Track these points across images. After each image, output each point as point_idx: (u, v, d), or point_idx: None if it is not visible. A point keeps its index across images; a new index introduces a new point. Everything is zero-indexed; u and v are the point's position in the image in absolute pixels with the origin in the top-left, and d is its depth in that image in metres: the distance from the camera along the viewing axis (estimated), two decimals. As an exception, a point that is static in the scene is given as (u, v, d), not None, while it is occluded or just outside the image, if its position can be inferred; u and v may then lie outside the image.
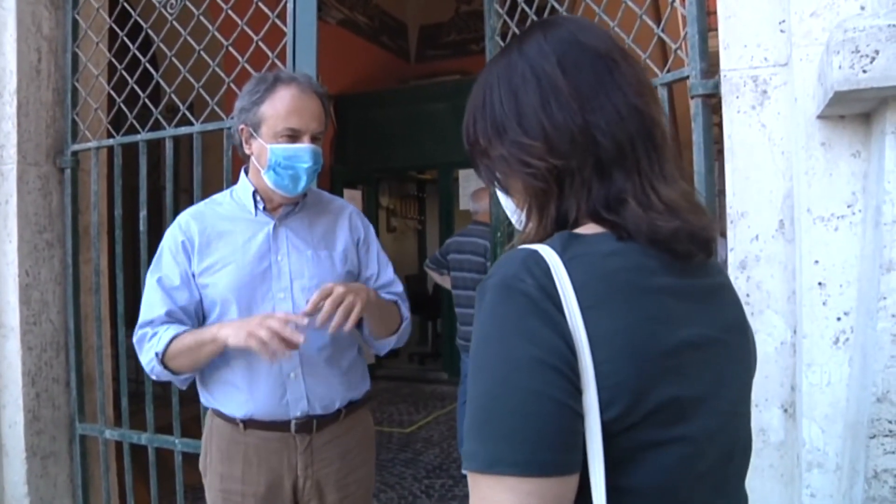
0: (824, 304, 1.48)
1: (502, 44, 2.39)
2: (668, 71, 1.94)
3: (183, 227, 1.80)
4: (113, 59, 2.82)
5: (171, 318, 1.76)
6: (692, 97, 1.82)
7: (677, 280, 0.78)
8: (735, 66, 1.67)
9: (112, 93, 2.82)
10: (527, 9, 2.23)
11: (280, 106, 1.72)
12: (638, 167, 0.80)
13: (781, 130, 1.62)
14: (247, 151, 1.80)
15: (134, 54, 2.69)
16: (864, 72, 1.25)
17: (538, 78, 0.82)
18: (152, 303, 1.77)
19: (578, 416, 0.69)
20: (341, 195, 7.43)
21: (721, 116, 1.72)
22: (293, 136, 1.73)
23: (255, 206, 1.81)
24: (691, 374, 0.76)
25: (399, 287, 1.99)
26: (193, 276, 1.77)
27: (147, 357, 1.75)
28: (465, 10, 8.85)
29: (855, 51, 1.26)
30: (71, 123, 2.87)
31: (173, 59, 2.59)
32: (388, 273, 1.98)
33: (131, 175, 2.80)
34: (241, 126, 1.78)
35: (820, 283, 1.48)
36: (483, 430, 0.70)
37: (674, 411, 0.73)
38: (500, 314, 0.72)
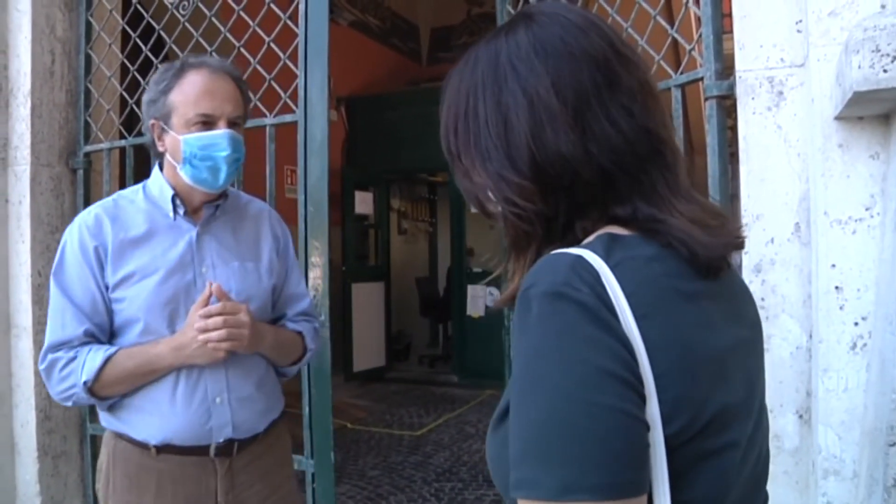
0: (841, 308, 1.46)
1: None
2: (682, 72, 1.92)
3: (92, 229, 1.57)
4: (125, 61, 2.83)
5: (90, 337, 1.55)
6: (706, 99, 1.80)
7: (708, 283, 0.74)
8: (750, 67, 1.66)
9: (124, 94, 2.83)
10: (539, 10, 2.21)
11: (189, 90, 1.56)
12: (657, 191, 0.74)
13: (797, 132, 1.60)
14: (160, 149, 1.62)
15: (146, 55, 2.70)
16: (885, 71, 1.23)
17: (530, 101, 0.73)
18: (64, 321, 1.54)
19: (648, 429, 0.64)
20: (352, 197, 7.51)
21: (735, 118, 1.71)
22: (207, 123, 1.56)
23: (175, 211, 1.62)
24: (732, 377, 0.72)
25: (307, 303, 1.84)
26: (107, 287, 1.56)
27: (64, 385, 1.53)
28: (476, 13, 8.84)
29: (875, 50, 1.24)
30: (83, 124, 2.88)
31: (185, 60, 2.59)
32: (301, 286, 1.86)
33: (143, 176, 2.79)
34: (152, 121, 1.60)
35: (837, 287, 1.46)
36: (548, 453, 0.62)
37: (724, 419, 0.69)
38: (555, 326, 0.65)
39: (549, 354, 0.64)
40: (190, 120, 1.55)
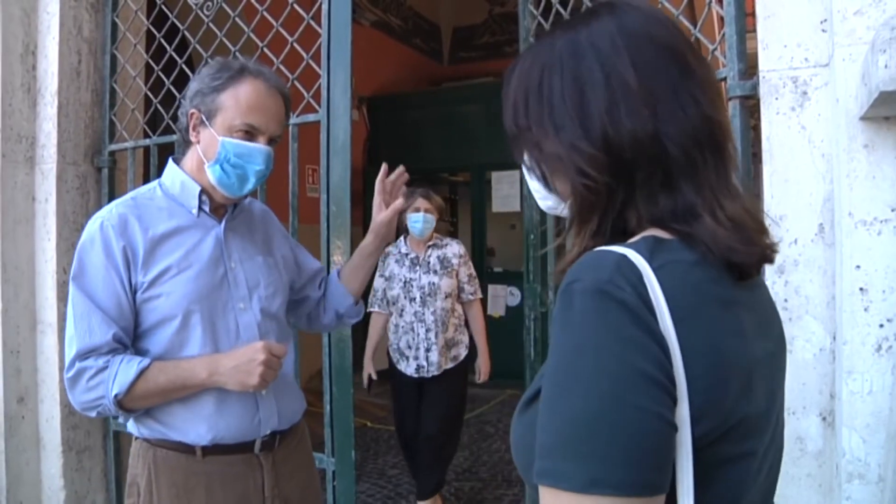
0: (866, 310, 1.44)
1: (536, 45, 2.37)
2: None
3: (118, 228, 1.53)
4: (150, 61, 2.86)
5: (118, 343, 1.51)
6: (729, 99, 1.79)
7: (743, 292, 0.76)
8: (774, 67, 1.64)
9: (149, 93, 2.86)
10: (561, 10, 2.21)
11: (243, 97, 1.55)
12: (708, 181, 0.76)
13: (822, 132, 1.59)
14: (192, 139, 1.60)
15: (171, 55, 2.73)
16: (912, 71, 1.22)
17: (608, 76, 0.76)
18: (91, 327, 1.50)
19: (675, 431, 0.66)
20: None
21: (758, 119, 1.69)
22: (250, 134, 1.56)
23: (200, 207, 1.62)
24: (757, 389, 0.74)
25: (322, 268, 1.96)
26: (136, 288, 1.53)
27: (91, 395, 1.49)
28: (498, 12, 8.83)
29: (902, 49, 1.22)
30: (108, 124, 2.92)
31: (209, 60, 2.61)
32: (314, 259, 1.94)
33: (167, 175, 2.83)
34: (193, 110, 1.58)
35: (861, 289, 1.44)
36: (578, 448, 0.64)
37: (746, 427, 0.71)
38: (597, 322, 0.66)
39: (589, 352, 0.66)
40: (234, 126, 1.55)
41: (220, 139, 1.55)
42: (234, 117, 1.54)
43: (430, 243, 3.70)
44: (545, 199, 0.86)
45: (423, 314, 3.63)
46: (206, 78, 1.59)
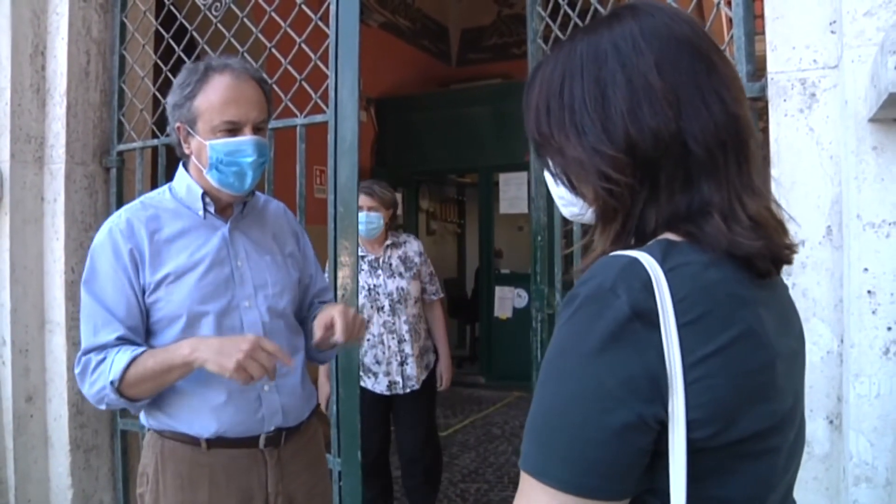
0: (874, 312, 1.43)
1: (544, 46, 2.38)
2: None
3: (126, 233, 1.58)
4: (158, 61, 2.87)
5: (122, 342, 1.55)
6: (737, 100, 1.78)
7: (763, 291, 0.76)
8: (782, 69, 1.64)
9: (157, 94, 2.87)
10: (569, 11, 2.21)
11: (214, 97, 1.56)
12: (727, 178, 0.75)
13: (830, 134, 1.58)
14: (186, 151, 1.65)
15: (179, 56, 2.73)
16: (921, 73, 1.21)
17: (630, 79, 0.75)
18: (97, 326, 1.56)
19: (641, 451, 0.68)
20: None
21: (766, 121, 1.69)
22: (233, 130, 1.57)
23: (205, 209, 1.65)
24: (782, 386, 0.74)
25: (331, 292, 1.90)
26: (144, 290, 1.58)
27: (96, 387, 1.54)
28: (506, 14, 8.83)
29: (911, 51, 1.21)
30: (117, 124, 2.93)
31: (217, 60, 2.62)
32: (322, 276, 1.90)
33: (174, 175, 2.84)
34: (177, 124, 1.63)
35: (869, 292, 1.43)
36: (541, 439, 0.71)
37: (770, 425, 0.72)
38: (584, 330, 0.69)
39: (569, 356, 0.70)
40: (216, 127, 1.57)
41: (207, 143, 1.57)
42: (213, 118, 1.57)
43: (388, 242, 3.30)
44: (570, 206, 0.85)
45: (395, 324, 3.23)
46: (177, 90, 1.62)
